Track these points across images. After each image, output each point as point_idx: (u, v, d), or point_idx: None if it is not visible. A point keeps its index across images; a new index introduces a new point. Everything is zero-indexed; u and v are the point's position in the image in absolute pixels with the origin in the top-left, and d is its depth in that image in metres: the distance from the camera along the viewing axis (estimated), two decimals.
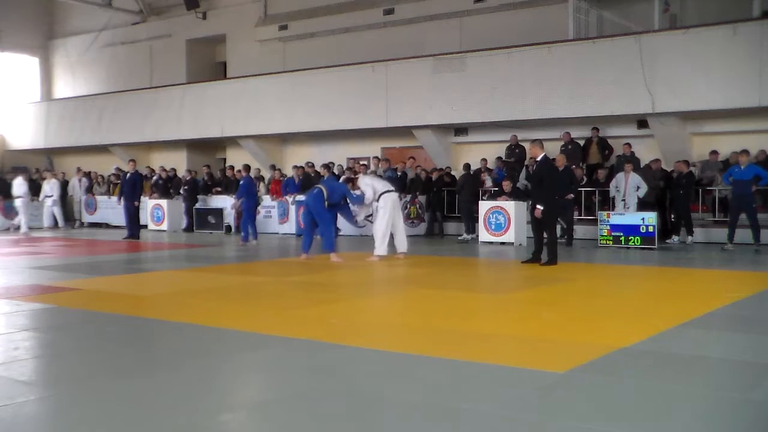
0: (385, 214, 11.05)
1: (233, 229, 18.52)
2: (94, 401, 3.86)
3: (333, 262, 10.66)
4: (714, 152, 14.77)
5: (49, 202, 19.68)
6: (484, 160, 16.99)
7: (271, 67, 21.06)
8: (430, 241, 15.33)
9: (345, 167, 17.75)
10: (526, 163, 16.50)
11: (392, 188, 11.33)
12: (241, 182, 14.96)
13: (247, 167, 16.65)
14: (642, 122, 15.42)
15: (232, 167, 19.93)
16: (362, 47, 19.53)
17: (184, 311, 6.61)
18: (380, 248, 10.96)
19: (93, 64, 26.37)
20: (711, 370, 4.55)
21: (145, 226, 19.52)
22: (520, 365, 4.53)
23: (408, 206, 16.21)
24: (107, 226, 20.90)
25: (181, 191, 19.32)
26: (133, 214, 16.37)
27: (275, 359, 4.86)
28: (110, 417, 3.59)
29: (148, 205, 19.49)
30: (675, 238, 13.86)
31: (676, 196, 13.77)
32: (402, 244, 11.30)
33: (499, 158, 16.65)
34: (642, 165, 14.72)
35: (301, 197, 17.07)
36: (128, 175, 16.65)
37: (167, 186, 19.83)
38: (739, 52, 13.53)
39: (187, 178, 19.56)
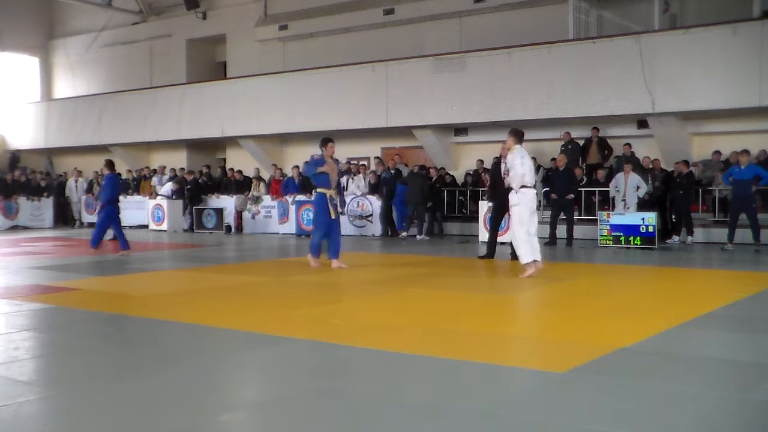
0: (521, 215, 8.76)
1: (233, 229, 18.55)
2: (94, 401, 3.86)
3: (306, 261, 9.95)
4: (717, 152, 14.78)
5: None
6: (481, 161, 17.03)
7: (271, 67, 21.08)
8: (430, 241, 15.33)
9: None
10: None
11: (533, 183, 8.97)
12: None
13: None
14: (642, 122, 15.42)
15: (231, 169, 19.99)
16: (362, 47, 19.53)
17: (184, 311, 6.61)
18: (525, 256, 8.73)
19: (93, 64, 26.37)
20: (711, 370, 4.55)
21: (146, 226, 19.58)
22: (520, 365, 4.52)
23: None
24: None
25: (184, 191, 19.33)
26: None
27: (275, 359, 4.85)
28: (110, 417, 3.59)
29: (149, 205, 19.56)
30: (675, 238, 13.86)
31: (676, 196, 13.78)
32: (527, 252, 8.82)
33: (496, 158, 16.64)
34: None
35: (300, 197, 17.12)
36: (106, 176, 16.24)
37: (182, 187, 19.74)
38: (739, 52, 13.53)
39: (189, 179, 19.56)
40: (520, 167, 8.72)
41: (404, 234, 15.73)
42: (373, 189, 16.79)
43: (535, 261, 8.75)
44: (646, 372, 4.41)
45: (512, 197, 8.84)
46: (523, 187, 8.76)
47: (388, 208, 16.27)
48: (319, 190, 9.76)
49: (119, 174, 14.72)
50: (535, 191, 8.93)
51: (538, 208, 15.76)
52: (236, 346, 5.23)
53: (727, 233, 12.73)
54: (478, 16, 18.54)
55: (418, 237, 15.58)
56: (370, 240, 15.66)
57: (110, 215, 12.15)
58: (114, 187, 12.32)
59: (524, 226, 8.78)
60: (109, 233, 13.20)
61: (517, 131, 9.08)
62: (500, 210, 11.00)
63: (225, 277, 9.39)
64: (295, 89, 19.09)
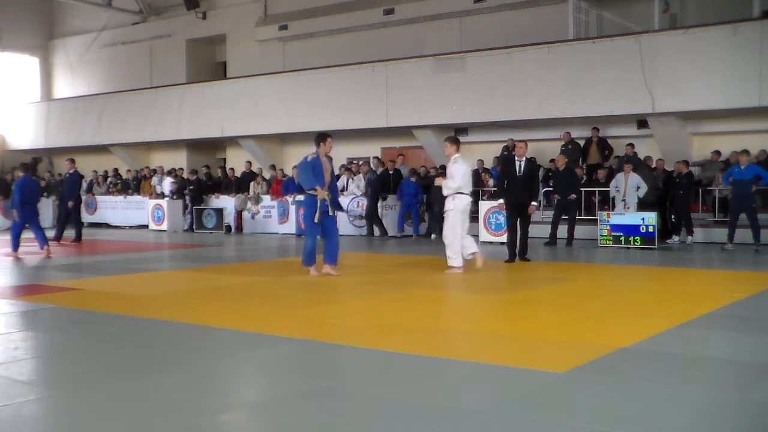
0: (456, 220, 9.33)
1: (233, 229, 18.54)
2: (94, 401, 3.86)
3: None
4: (716, 152, 14.78)
5: None
6: (481, 161, 17.02)
7: (271, 67, 21.07)
8: (430, 240, 15.32)
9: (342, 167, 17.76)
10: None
11: (470, 190, 9.52)
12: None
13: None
14: (642, 122, 15.42)
15: (232, 169, 19.99)
16: (362, 47, 19.53)
17: (184, 311, 6.61)
18: (456, 259, 9.40)
19: (93, 64, 26.37)
20: (711, 370, 4.55)
21: (146, 226, 19.60)
22: (520, 365, 4.52)
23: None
24: (107, 226, 20.94)
25: (186, 191, 19.34)
26: (65, 216, 15.74)
27: (275, 359, 4.85)
28: (110, 417, 3.59)
29: (149, 205, 19.58)
30: (675, 238, 13.86)
31: (676, 196, 13.77)
32: (472, 244, 9.57)
33: (497, 158, 16.65)
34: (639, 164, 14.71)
35: (300, 197, 17.10)
36: (67, 174, 15.87)
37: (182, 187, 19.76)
38: (739, 52, 13.53)
39: (192, 178, 19.56)
40: (459, 179, 9.24)
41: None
42: None
43: (474, 253, 9.42)
44: (646, 372, 4.41)
45: (448, 202, 9.37)
46: (459, 193, 9.31)
47: (374, 209, 16.29)
48: (309, 191, 9.02)
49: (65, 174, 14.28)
50: (470, 199, 9.48)
51: (538, 209, 15.89)
52: (236, 346, 5.22)
53: (727, 233, 12.72)
54: (478, 16, 18.54)
55: (413, 237, 15.61)
56: (369, 240, 15.66)
57: (25, 218, 12.03)
58: (24, 191, 12.15)
59: (458, 228, 9.34)
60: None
61: (456, 139, 9.71)
62: (514, 208, 10.84)
63: (225, 277, 9.39)
64: (295, 89, 19.09)
